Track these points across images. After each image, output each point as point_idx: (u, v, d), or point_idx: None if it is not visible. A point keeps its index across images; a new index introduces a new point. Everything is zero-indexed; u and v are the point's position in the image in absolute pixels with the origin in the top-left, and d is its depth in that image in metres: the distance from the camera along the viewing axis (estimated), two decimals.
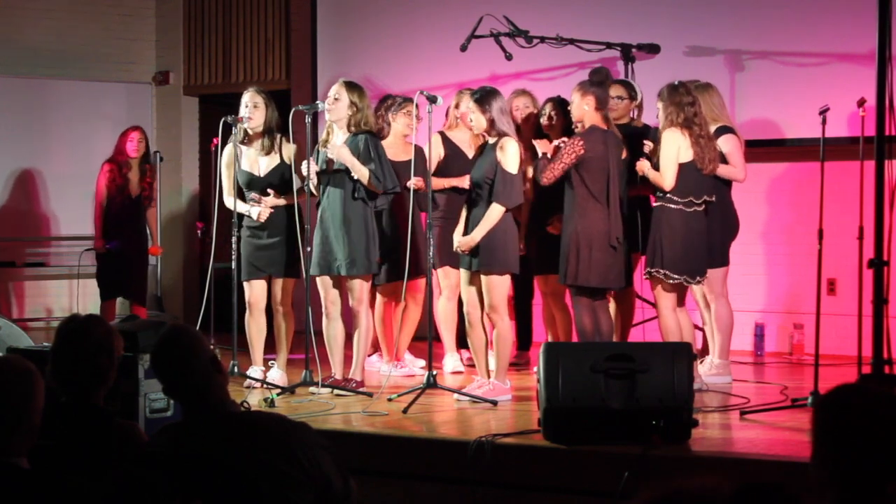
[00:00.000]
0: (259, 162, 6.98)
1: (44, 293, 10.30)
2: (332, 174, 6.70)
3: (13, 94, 10.02)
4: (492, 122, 6.39)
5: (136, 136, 8.59)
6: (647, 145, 6.68)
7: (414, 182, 6.84)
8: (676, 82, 6.59)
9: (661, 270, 6.48)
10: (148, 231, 8.74)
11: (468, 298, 6.58)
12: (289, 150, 6.95)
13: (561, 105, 7.00)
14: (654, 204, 6.59)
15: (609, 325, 6.54)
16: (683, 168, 6.49)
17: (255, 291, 7.03)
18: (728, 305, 6.91)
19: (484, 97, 6.42)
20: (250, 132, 6.98)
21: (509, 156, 6.35)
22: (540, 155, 6.60)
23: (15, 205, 10.10)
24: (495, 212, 6.34)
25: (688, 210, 6.50)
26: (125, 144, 8.55)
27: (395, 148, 7.29)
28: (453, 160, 7.33)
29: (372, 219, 6.73)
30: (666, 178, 6.49)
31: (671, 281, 6.48)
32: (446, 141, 7.27)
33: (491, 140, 6.46)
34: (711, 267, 6.74)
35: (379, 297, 7.52)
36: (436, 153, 7.15)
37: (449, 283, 7.36)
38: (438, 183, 7.16)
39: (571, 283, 6.47)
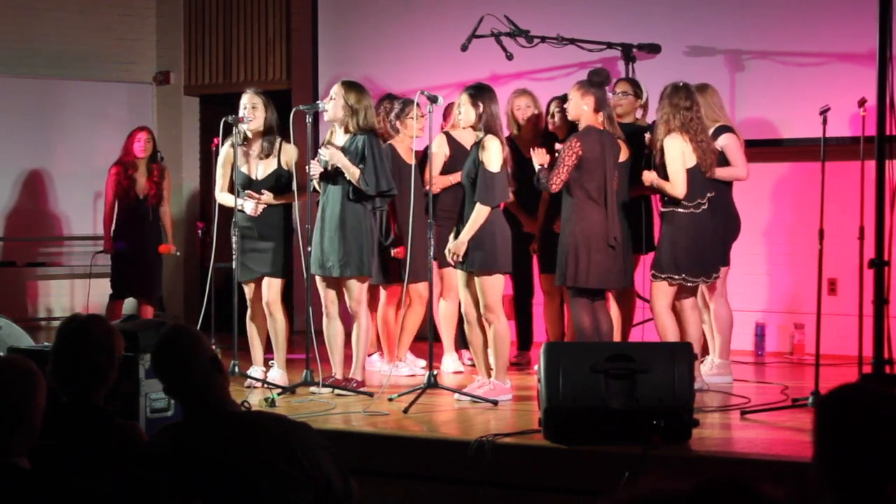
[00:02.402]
0: (256, 165, 6.97)
1: (46, 293, 10.31)
2: (333, 174, 6.70)
3: (14, 94, 10.02)
4: (479, 118, 6.38)
5: (144, 136, 8.62)
6: (648, 137, 6.70)
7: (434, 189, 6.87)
8: (681, 83, 6.58)
9: (678, 276, 6.47)
10: (162, 229, 8.76)
11: (465, 299, 6.57)
12: (288, 153, 6.94)
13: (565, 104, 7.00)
14: (662, 209, 6.59)
15: (609, 324, 6.54)
16: (690, 173, 6.49)
17: (253, 292, 7.03)
18: (727, 305, 6.91)
19: (478, 92, 6.43)
20: (249, 134, 6.98)
21: (490, 154, 6.34)
22: (537, 167, 6.56)
23: (16, 204, 10.10)
24: (480, 212, 6.33)
25: (697, 212, 6.52)
26: (132, 145, 8.58)
27: (404, 150, 7.27)
28: (458, 159, 7.30)
29: (369, 220, 6.73)
30: (677, 186, 6.47)
31: (689, 284, 6.51)
32: (451, 140, 7.27)
33: (477, 138, 6.47)
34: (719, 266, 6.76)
35: (383, 296, 7.51)
36: (442, 153, 7.16)
37: (450, 283, 7.36)
38: (444, 181, 7.16)
39: (571, 285, 6.47)
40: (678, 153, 6.48)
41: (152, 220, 8.66)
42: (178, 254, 9.30)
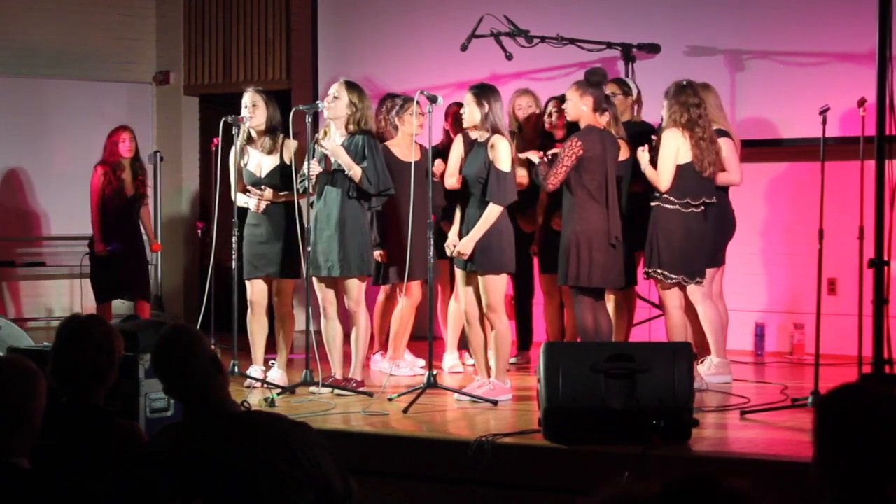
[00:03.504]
0: (261, 163, 6.99)
1: (44, 293, 10.30)
2: (330, 174, 6.70)
3: (14, 94, 10.02)
4: (485, 118, 6.37)
5: (127, 136, 8.57)
6: (656, 140, 6.70)
7: (437, 167, 6.85)
8: (684, 82, 6.58)
9: (659, 271, 6.50)
10: (143, 229, 8.75)
11: (466, 298, 6.57)
12: (290, 149, 6.94)
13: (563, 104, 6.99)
14: (651, 204, 6.59)
15: (608, 324, 6.54)
16: (681, 169, 6.49)
17: (255, 291, 7.03)
18: (714, 306, 6.86)
19: (482, 92, 6.42)
20: (253, 133, 7.00)
21: (501, 153, 6.33)
22: (537, 161, 6.57)
23: (15, 204, 10.10)
24: (493, 212, 6.33)
25: (685, 211, 6.50)
26: (117, 145, 8.54)
27: (403, 148, 7.27)
28: None
29: (366, 220, 6.75)
30: (662, 178, 6.50)
31: (669, 281, 6.49)
32: (467, 141, 7.26)
33: (481, 137, 6.45)
34: (707, 267, 6.74)
35: (404, 297, 7.45)
36: (458, 152, 7.15)
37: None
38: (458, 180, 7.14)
39: (573, 284, 6.47)
40: (672, 147, 6.49)
41: (136, 220, 8.64)
42: (162, 254, 9.29)
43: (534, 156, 6.65)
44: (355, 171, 6.61)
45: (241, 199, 7.03)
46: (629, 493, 1.87)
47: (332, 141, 6.70)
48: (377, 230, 7.26)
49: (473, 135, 6.59)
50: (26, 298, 10.26)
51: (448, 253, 6.59)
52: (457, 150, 7.02)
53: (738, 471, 4.82)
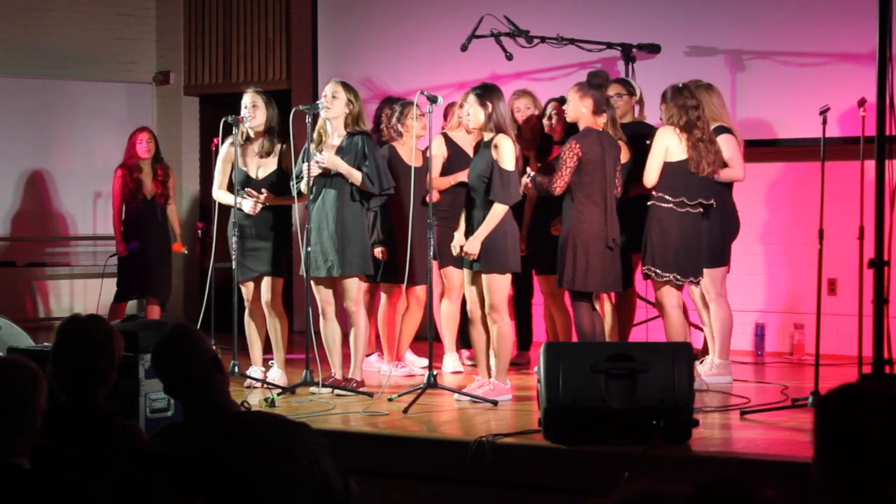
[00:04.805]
0: (257, 164, 6.97)
1: (46, 293, 10.30)
2: (329, 176, 6.70)
3: (14, 94, 10.02)
4: (489, 118, 6.37)
5: (145, 136, 8.63)
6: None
7: (435, 196, 6.84)
8: (681, 84, 6.58)
9: (651, 268, 6.49)
10: (170, 228, 8.78)
11: (470, 297, 6.57)
12: (289, 158, 6.91)
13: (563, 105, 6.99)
14: (648, 203, 6.59)
15: (601, 326, 6.55)
16: (675, 168, 6.48)
17: (251, 292, 7.03)
18: (726, 306, 6.90)
19: (485, 92, 6.41)
20: (252, 133, 6.99)
21: (504, 153, 6.32)
22: (529, 174, 6.57)
23: (16, 204, 10.10)
24: (498, 211, 6.32)
25: (680, 210, 6.49)
26: (135, 147, 8.58)
27: (409, 150, 7.25)
28: (456, 160, 7.27)
29: (365, 220, 6.76)
30: (648, 174, 6.51)
31: (661, 279, 6.49)
32: (449, 141, 7.27)
33: (486, 137, 6.45)
34: (711, 267, 6.74)
35: (383, 296, 7.51)
36: (440, 153, 7.15)
37: (452, 283, 7.35)
38: (443, 182, 7.15)
39: (570, 288, 6.46)
40: (661, 144, 6.50)
41: (161, 220, 8.68)
42: (186, 252, 9.32)
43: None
44: (356, 178, 6.61)
45: (224, 197, 7.00)
46: (655, 493, 1.86)
47: (327, 154, 6.64)
48: (380, 228, 7.27)
49: (455, 135, 6.59)
50: (27, 298, 10.26)
51: (454, 253, 6.60)
52: (437, 149, 7.02)
53: (739, 471, 4.82)
